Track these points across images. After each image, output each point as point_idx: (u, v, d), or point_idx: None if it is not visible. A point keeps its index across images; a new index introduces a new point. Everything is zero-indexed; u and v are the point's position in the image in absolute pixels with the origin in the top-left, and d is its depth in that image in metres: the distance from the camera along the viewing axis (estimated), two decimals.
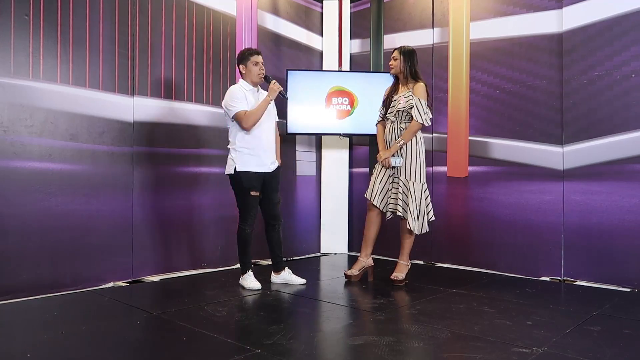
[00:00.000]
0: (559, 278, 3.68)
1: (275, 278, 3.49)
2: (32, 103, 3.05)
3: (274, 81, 3.33)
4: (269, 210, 3.41)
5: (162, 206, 3.72)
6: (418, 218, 3.41)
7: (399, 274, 3.46)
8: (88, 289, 3.25)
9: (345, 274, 3.63)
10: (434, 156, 4.39)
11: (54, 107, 3.15)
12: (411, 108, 3.39)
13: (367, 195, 3.54)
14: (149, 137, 3.63)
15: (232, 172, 3.26)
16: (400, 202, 3.42)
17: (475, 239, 4.15)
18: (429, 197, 3.50)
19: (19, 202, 3.00)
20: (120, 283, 3.44)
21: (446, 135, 4.33)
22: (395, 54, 3.52)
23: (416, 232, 3.43)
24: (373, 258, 3.66)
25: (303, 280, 3.48)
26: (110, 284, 3.39)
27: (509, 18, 3.99)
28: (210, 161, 4.01)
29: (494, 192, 4.05)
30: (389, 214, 3.52)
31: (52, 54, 3.14)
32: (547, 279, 3.70)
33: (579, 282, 3.58)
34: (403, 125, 3.44)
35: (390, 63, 3.56)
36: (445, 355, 2.11)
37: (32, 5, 3.05)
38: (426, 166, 3.51)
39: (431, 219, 3.51)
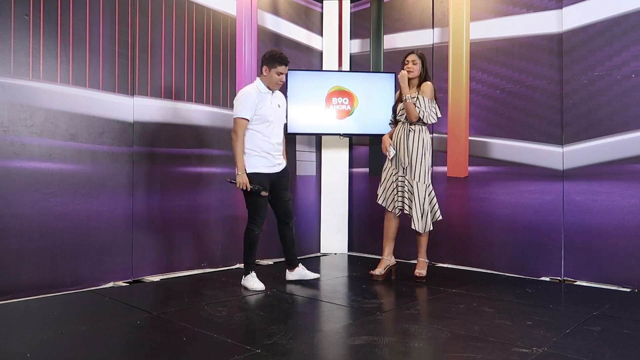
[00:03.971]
0: (559, 278, 3.68)
1: (290, 275, 3.54)
2: (32, 103, 3.05)
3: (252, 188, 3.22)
4: (281, 208, 3.45)
5: (162, 206, 3.72)
6: (422, 217, 3.50)
7: (422, 270, 3.60)
8: (88, 289, 3.25)
9: (370, 274, 3.67)
10: (434, 156, 4.38)
11: (54, 107, 3.15)
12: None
13: (379, 202, 3.66)
14: (149, 137, 3.63)
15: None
16: (406, 201, 3.53)
17: (475, 239, 4.15)
18: (434, 197, 3.59)
19: (19, 202, 2.99)
20: (120, 283, 3.44)
21: (446, 135, 4.33)
22: (414, 57, 3.55)
23: (420, 231, 3.53)
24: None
25: (317, 275, 3.58)
26: (110, 284, 3.39)
27: (509, 18, 3.99)
28: (210, 161, 4.01)
29: (494, 192, 4.05)
30: (397, 211, 3.61)
31: (52, 54, 3.13)
32: (547, 279, 3.70)
33: (579, 282, 3.58)
34: (413, 127, 3.53)
35: (409, 67, 3.55)
36: (445, 355, 2.11)
37: (32, 5, 3.05)
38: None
39: (438, 218, 3.61)
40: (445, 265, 4.26)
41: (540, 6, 3.83)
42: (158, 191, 3.69)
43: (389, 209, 3.61)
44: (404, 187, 3.54)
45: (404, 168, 3.55)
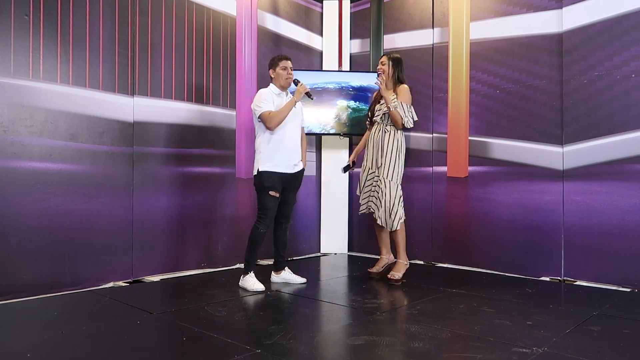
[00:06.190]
0: (559, 278, 3.68)
1: (275, 277, 3.50)
2: (32, 103, 3.05)
3: (300, 83, 3.41)
4: (281, 209, 3.43)
5: (162, 206, 3.71)
6: (391, 215, 3.48)
7: (397, 272, 3.51)
8: (88, 289, 3.25)
9: (369, 271, 3.70)
10: (434, 156, 4.39)
11: (54, 107, 3.15)
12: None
13: (359, 201, 3.74)
14: (149, 137, 3.63)
15: (256, 173, 3.32)
16: (373, 200, 3.56)
17: (475, 239, 4.15)
18: (402, 197, 3.54)
19: (19, 202, 2.99)
20: (120, 283, 3.44)
21: (446, 135, 4.33)
22: (384, 59, 3.65)
23: (388, 229, 3.52)
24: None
25: (303, 280, 3.49)
26: (110, 284, 3.39)
27: (509, 18, 3.99)
28: (210, 161, 4.01)
29: (494, 192, 4.05)
30: (363, 207, 3.67)
31: (52, 54, 3.13)
32: (547, 279, 3.70)
33: (579, 282, 3.58)
34: (388, 128, 3.57)
35: (378, 68, 3.66)
36: (445, 355, 2.11)
37: (32, 5, 3.05)
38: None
39: (402, 219, 3.51)
40: (445, 265, 4.26)
41: (540, 6, 3.83)
42: (158, 191, 3.69)
43: (362, 210, 3.69)
44: (375, 184, 3.56)
45: (378, 167, 3.57)
